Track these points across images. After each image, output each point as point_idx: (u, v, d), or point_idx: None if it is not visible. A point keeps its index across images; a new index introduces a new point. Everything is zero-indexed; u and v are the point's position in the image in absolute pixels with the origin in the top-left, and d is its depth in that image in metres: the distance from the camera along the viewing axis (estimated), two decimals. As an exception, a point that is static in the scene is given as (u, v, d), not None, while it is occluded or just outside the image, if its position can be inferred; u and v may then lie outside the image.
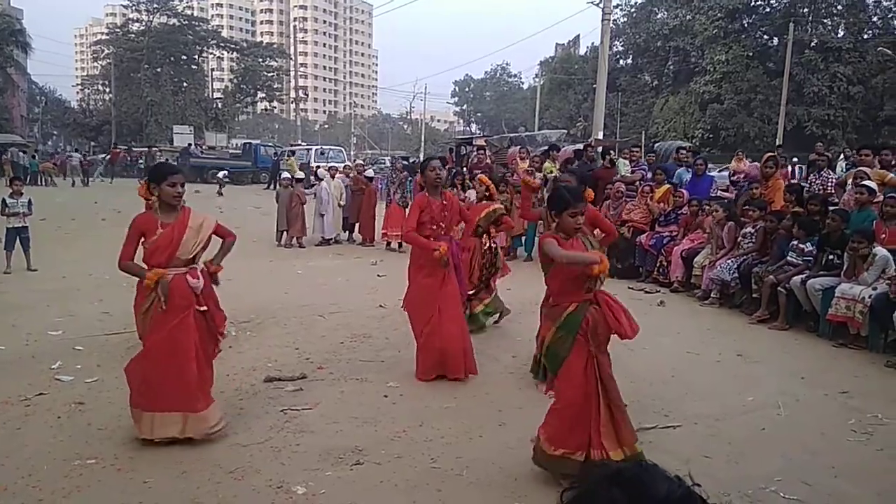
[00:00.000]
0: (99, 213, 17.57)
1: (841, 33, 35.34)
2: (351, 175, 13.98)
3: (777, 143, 24.29)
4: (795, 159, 16.25)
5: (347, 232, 13.75)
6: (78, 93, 62.18)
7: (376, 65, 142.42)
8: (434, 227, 5.21)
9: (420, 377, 5.23)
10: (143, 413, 3.91)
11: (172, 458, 3.81)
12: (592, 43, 46.91)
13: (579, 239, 3.59)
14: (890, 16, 35.68)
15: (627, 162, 11.52)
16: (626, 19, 43.50)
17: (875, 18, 35.79)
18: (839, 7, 35.87)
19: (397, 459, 3.90)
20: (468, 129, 78.12)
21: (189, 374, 3.93)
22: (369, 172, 14.49)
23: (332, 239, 13.41)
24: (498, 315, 6.94)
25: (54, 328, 6.51)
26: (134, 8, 50.34)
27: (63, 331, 6.43)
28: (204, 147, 39.20)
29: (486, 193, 7.09)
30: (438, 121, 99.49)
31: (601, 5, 20.01)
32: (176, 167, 4.29)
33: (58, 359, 5.54)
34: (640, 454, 3.46)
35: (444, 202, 5.29)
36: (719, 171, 14.60)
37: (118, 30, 53.19)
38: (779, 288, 7.16)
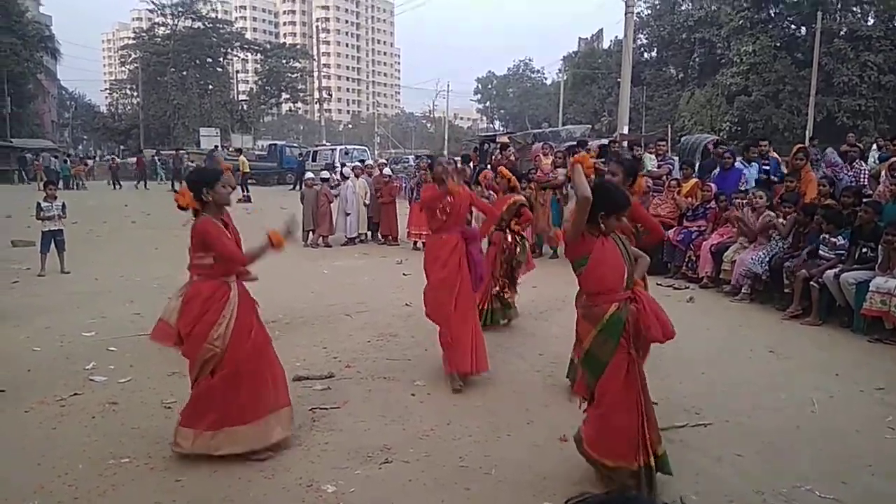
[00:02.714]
0: (129, 216, 17.90)
1: (871, 21, 34.50)
2: (373, 175, 14.09)
3: (810, 136, 23.83)
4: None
5: (372, 231, 13.83)
6: (106, 97, 63.36)
7: (399, 64, 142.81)
8: (442, 216, 5.27)
9: (447, 370, 5.15)
10: (234, 428, 3.79)
11: (204, 457, 3.84)
12: (616, 36, 46.51)
13: (611, 238, 3.49)
14: (922, 2, 34.78)
15: (654, 156, 11.40)
16: (650, 12, 42.95)
17: (907, 5, 34.90)
18: (869, -6, 35.07)
19: (425, 458, 3.90)
20: (491, 126, 77.74)
21: (279, 370, 4.09)
22: (387, 170, 14.64)
23: (356, 238, 13.50)
24: (508, 320, 6.88)
25: (87, 329, 6.64)
26: (160, 12, 51.03)
27: (96, 332, 6.55)
28: (230, 149, 39.67)
29: (509, 186, 7.06)
30: (461, 118, 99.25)
31: (625, -2, 19.78)
32: (219, 169, 4.19)
33: (91, 360, 5.65)
34: (664, 456, 3.41)
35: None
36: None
37: (144, 34, 53.90)
38: (811, 282, 7.03)
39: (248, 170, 26.51)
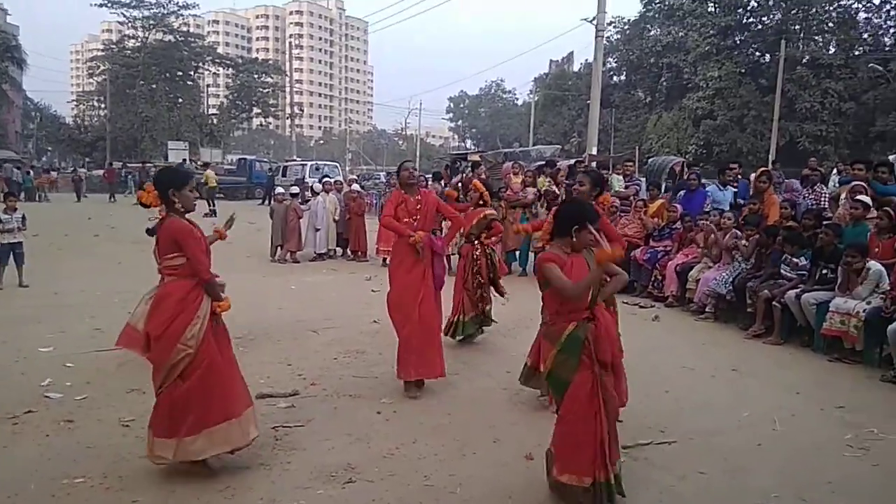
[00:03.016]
0: (92, 229, 17.55)
1: (832, 50, 35.72)
2: (343, 190, 14.06)
3: (772, 160, 24.41)
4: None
5: (341, 247, 13.76)
6: (73, 109, 62.33)
7: (371, 81, 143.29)
8: (408, 220, 5.32)
9: (401, 377, 5.27)
10: (215, 427, 3.69)
11: (162, 476, 3.75)
12: (586, 59, 47.12)
13: (582, 255, 3.49)
14: (880, 32, 36.12)
15: (621, 177, 11.54)
16: (619, 36, 43.81)
17: (866, 35, 36.18)
18: (830, 24, 36.26)
19: (390, 477, 3.85)
20: (463, 144, 78.27)
21: (238, 374, 3.99)
22: (355, 186, 14.70)
23: (325, 254, 13.42)
24: (480, 329, 6.93)
25: (45, 345, 6.44)
26: (130, 24, 50.49)
27: (54, 347, 6.37)
28: (199, 163, 39.25)
29: (481, 201, 7.08)
30: (433, 136, 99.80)
31: (595, 22, 20.15)
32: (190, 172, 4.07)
33: (48, 376, 5.48)
34: (619, 475, 3.41)
35: (419, 199, 5.43)
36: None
37: (114, 46, 53.29)
38: (774, 302, 7.15)
39: (215, 184, 26.13)
